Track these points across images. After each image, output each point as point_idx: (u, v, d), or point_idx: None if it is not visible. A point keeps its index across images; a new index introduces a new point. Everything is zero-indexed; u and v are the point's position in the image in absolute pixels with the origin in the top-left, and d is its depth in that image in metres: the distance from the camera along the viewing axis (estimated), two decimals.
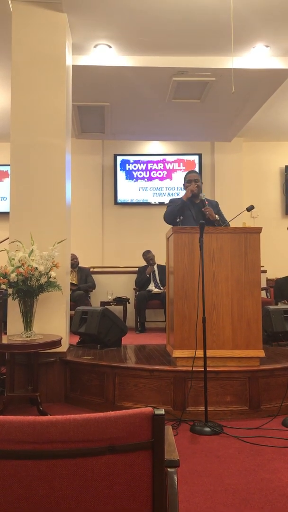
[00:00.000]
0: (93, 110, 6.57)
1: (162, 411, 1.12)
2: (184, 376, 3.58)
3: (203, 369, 3.35)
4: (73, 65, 4.94)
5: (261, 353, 3.73)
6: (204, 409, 3.33)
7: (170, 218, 4.36)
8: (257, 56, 5.26)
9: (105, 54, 5.18)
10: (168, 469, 1.20)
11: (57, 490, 1.09)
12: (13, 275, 3.60)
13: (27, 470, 1.08)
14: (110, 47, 5.07)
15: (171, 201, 4.59)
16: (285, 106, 6.94)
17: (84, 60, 5.24)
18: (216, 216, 4.26)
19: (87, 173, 8.44)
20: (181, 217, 4.32)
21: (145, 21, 4.55)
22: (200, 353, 3.42)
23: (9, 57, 4.36)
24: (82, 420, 1.08)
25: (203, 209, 4.25)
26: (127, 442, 1.09)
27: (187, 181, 4.46)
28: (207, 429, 3.23)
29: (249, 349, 3.71)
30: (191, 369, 3.47)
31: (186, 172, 4.71)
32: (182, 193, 4.57)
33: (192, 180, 4.42)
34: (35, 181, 4.15)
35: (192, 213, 4.32)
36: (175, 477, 1.21)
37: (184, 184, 4.53)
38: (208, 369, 3.39)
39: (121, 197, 8.61)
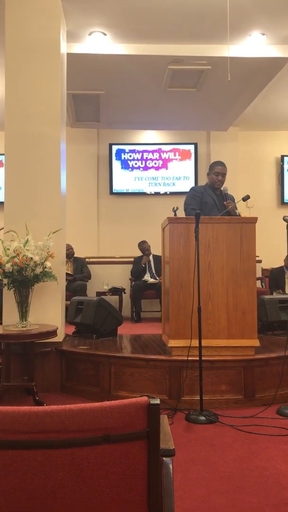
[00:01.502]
0: (88, 98, 6.52)
1: (157, 401, 1.12)
2: (180, 365, 3.60)
3: (198, 358, 3.37)
4: (67, 53, 4.88)
5: (256, 343, 3.75)
6: (199, 398, 3.35)
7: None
8: (253, 44, 5.22)
9: (100, 42, 5.12)
10: (164, 458, 1.21)
11: (53, 480, 1.09)
12: (8, 265, 3.60)
13: (22, 460, 1.08)
14: (105, 34, 5.01)
15: (193, 189, 4.44)
16: (281, 95, 6.90)
17: (79, 47, 5.18)
18: (237, 211, 4.20)
19: (82, 162, 8.38)
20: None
21: (140, 9, 4.50)
22: (195, 343, 3.43)
23: (2, 44, 4.31)
24: (78, 410, 1.08)
25: (225, 202, 4.20)
26: (122, 432, 1.10)
27: (215, 173, 4.29)
28: (202, 418, 3.26)
29: (244, 339, 3.73)
30: (186, 358, 3.49)
31: (214, 161, 4.47)
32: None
33: (220, 173, 4.27)
34: (30, 170, 4.12)
35: (215, 202, 4.26)
36: (171, 466, 1.22)
37: (208, 174, 4.38)
38: (203, 358, 3.40)
39: (117, 187, 8.57)
